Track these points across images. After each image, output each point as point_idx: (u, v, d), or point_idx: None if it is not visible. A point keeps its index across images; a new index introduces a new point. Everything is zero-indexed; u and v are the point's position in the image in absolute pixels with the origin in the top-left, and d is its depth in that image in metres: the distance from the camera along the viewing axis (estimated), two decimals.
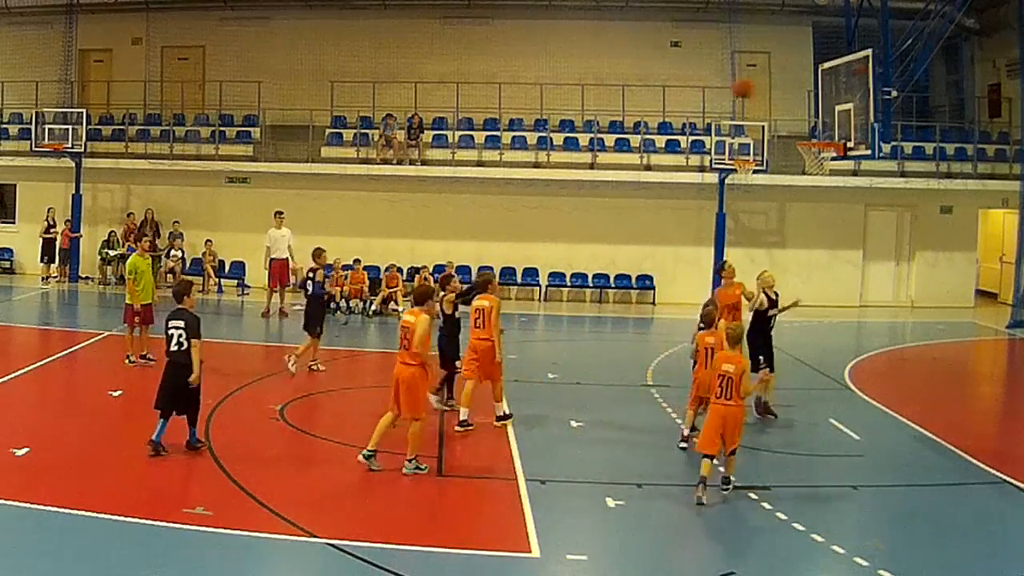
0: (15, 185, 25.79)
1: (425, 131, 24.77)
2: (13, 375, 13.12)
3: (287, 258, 20.51)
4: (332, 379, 14.35)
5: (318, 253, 15.04)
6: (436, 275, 22.35)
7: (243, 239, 22.23)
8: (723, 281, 13.55)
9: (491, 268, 24.67)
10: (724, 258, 13.47)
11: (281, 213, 20.73)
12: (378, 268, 22.57)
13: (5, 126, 26.06)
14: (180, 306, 10.15)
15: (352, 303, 21.20)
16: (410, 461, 9.67)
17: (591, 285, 24.75)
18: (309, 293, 14.58)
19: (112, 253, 24.38)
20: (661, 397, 13.62)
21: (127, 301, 14.31)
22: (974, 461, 10.66)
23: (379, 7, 26.54)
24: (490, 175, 24.31)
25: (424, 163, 24.54)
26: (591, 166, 24.53)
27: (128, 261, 15.37)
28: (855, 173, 24.04)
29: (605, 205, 24.60)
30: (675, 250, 24.55)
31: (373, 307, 21.27)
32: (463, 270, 24.49)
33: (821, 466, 10.62)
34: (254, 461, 9.93)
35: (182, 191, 24.93)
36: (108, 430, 11.02)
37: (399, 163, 24.47)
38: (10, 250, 25.69)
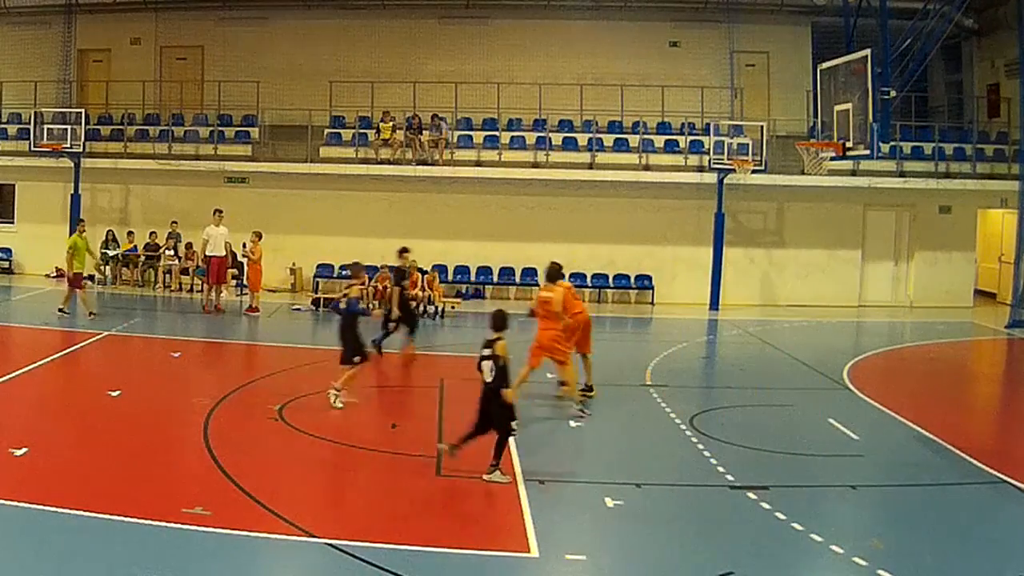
0: (14, 185, 25.77)
1: (424, 131, 24.76)
2: (13, 375, 13.12)
3: (224, 256, 20.94)
4: (331, 379, 14.33)
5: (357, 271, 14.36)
6: (439, 273, 22.45)
7: (242, 240, 22.15)
8: None
9: (490, 267, 24.76)
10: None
11: (220, 211, 20.91)
12: (378, 268, 22.55)
13: (4, 126, 26.04)
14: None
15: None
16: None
17: (590, 285, 24.73)
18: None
19: (111, 253, 24.40)
20: (660, 397, 13.62)
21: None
22: (973, 461, 10.66)
23: (378, 7, 26.55)
24: (489, 175, 24.30)
25: (420, 163, 24.51)
26: (590, 166, 24.53)
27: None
28: (854, 173, 24.05)
29: (604, 205, 24.60)
30: (674, 250, 24.57)
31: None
32: (462, 270, 24.57)
33: (820, 466, 10.63)
34: (254, 461, 9.93)
35: (181, 191, 24.92)
36: (108, 430, 11.01)
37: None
38: (9, 250, 25.67)
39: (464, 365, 15.23)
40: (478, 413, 9.54)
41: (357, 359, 12.35)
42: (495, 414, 9.42)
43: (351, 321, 12.57)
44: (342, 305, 12.83)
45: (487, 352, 9.48)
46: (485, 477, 9.39)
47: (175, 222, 24.24)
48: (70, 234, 24.53)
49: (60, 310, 18.57)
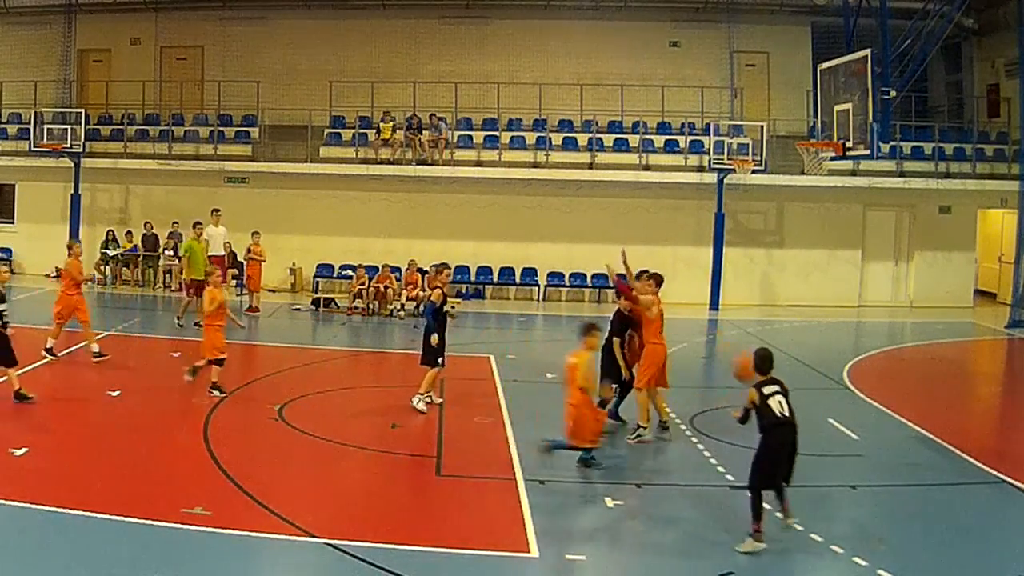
0: (14, 185, 25.78)
1: (424, 131, 24.78)
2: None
3: (223, 255, 20.88)
4: (331, 379, 14.35)
5: (439, 269, 13.00)
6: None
7: (242, 240, 22.25)
8: None
9: (490, 267, 24.75)
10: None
11: (218, 210, 20.87)
12: (377, 268, 22.59)
13: (4, 126, 26.06)
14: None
15: (357, 303, 21.56)
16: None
17: (590, 285, 24.75)
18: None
19: (111, 253, 24.39)
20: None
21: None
22: (973, 461, 10.66)
23: (377, 7, 26.55)
24: (489, 175, 24.31)
25: (420, 163, 24.52)
26: (590, 166, 24.54)
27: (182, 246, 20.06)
28: (854, 173, 24.05)
29: (604, 205, 24.60)
30: (674, 250, 24.52)
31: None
32: (462, 270, 24.55)
33: (820, 466, 10.60)
34: (253, 461, 9.94)
35: (181, 191, 24.92)
36: (108, 430, 11.01)
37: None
38: (9, 250, 25.66)
39: (464, 365, 15.28)
40: (779, 460, 8.22)
41: (441, 361, 12.20)
42: (792, 456, 8.23)
43: (433, 325, 12.22)
44: (422, 307, 12.39)
45: (775, 389, 8.33)
46: (788, 520, 8.31)
47: (176, 222, 24.24)
48: (71, 235, 24.61)
49: (197, 324, 17.28)
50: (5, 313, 11.70)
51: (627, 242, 24.50)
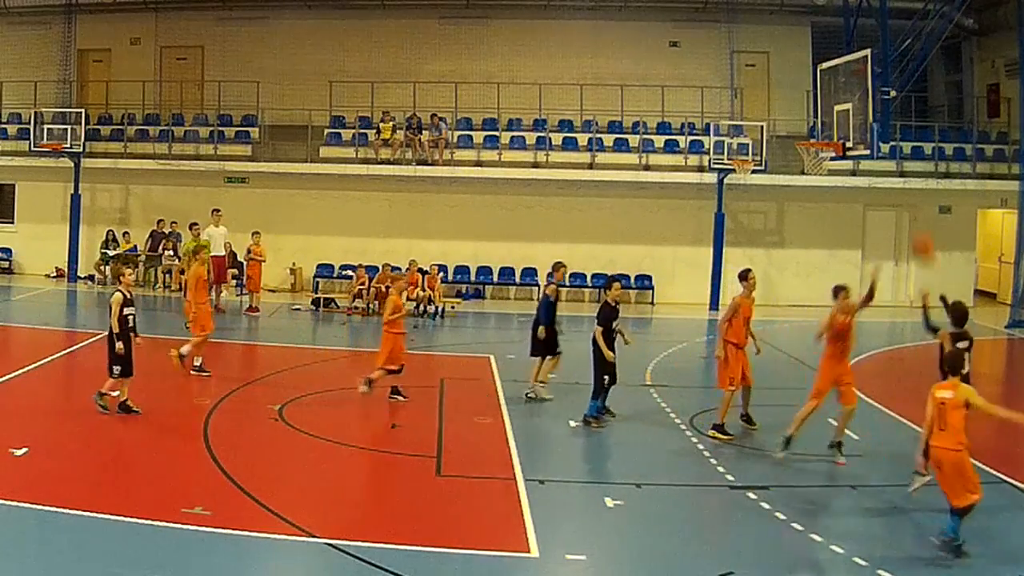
0: (14, 185, 25.78)
1: (424, 131, 24.79)
2: (13, 375, 13.11)
3: (224, 255, 20.85)
4: (331, 379, 14.34)
5: (556, 267, 13.62)
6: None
7: (242, 240, 22.27)
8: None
9: (490, 267, 24.75)
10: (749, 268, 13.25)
11: (218, 211, 20.88)
12: (377, 268, 22.58)
13: (4, 126, 26.06)
14: None
15: (357, 303, 21.51)
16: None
17: (590, 285, 24.75)
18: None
19: (111, 253, 24.38)
20: (660, 397, 13.63)
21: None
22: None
23: (378, 7, 26.55)
24: (489, 175, 24.31)
25: (420, 163, 24.52)
26: (590, 166, 24.54)
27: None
28: (854, 173, 24.05)
29: (604, 205, 24.60)
30: (674, 250, 24.57)
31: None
32: (462, 270, 24.56)
33: (821, 466, 10.62)
34: (254, 461, 9.93)
35: (181, 191, 24.91)
36: (107, 430, 11.00)
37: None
38: (9, 250, 25.68)
39: (464, 365, 15.29)
40: None
41: (559, 350, 13.18)
42: None
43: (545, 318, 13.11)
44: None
45: (964, 345, 8.98)
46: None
47: (175, 222, 24.24)
48: (70, 235, 24.66)
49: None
50: (133, 317, 11.38)
51: (628, 242, 24.87)
